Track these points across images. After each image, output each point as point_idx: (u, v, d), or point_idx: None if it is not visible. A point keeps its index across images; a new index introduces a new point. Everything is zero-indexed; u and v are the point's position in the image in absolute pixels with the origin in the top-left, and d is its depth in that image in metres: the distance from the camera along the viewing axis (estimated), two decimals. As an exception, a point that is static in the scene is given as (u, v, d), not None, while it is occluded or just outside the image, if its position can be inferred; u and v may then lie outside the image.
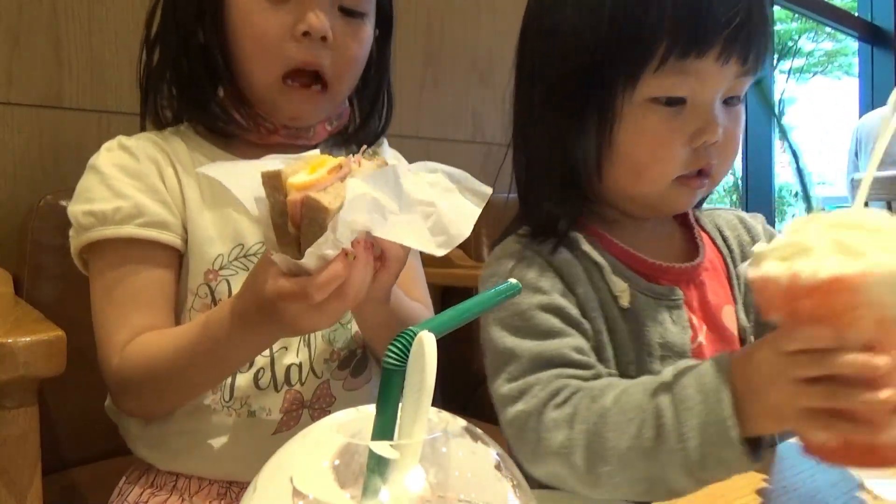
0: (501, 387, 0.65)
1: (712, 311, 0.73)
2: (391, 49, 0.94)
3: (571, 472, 0.59)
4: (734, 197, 7.25)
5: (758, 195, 4.33)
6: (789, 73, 10.29)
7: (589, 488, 0.59)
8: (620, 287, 0.69)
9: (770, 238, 0.79)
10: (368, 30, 0.85)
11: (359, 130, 0.92)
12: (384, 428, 0.30)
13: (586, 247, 0.70)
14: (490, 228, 1.67)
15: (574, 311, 0.67)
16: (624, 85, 0.65)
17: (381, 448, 0.29)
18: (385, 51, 0.93)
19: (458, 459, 0.33)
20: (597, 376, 0.63)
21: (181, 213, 0.80)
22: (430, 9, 1.80)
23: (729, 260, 0.77)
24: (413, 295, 0.88)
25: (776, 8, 4.30)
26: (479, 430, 0.34)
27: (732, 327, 0.74)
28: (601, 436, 0.57)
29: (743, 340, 0.74)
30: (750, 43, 0.66)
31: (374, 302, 0.71)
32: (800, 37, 10.14)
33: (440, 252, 0.61)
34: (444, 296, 1.53)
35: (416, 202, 0.60)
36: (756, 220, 0.83)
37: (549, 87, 0.70)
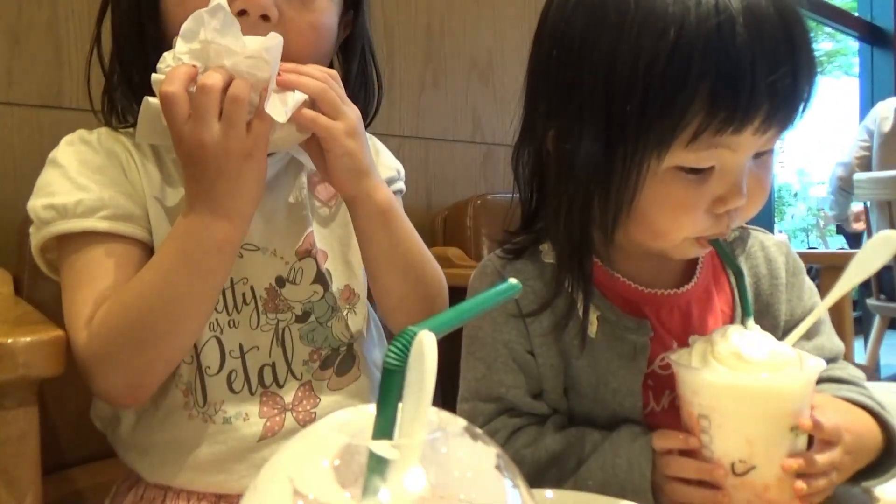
0: (460, 397, 0.73)
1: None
2: (366, 22, 0.88)
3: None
4: (734, 197, 7.23)
5: (758, 195, 4.32)
6: (789, 73, 10.30)
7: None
8: (590, 317, 0.70)
9: (793, 270, 0.78)
10: (326, 5, 0.78)
11: None
12: (384, 428, 0.30)
13: (580, 296, 0.69)
14: (489, 228, 1.68)
15: (528, 347, 0.71)
16: (651, 154, 0.60)
17: (381, 448, 0.29)
18: (359, 23, 0.87)
19: (458, 459, 0.33)
20: (533, 422, 0.71)
21: (144, 206, 0.78)
22: (430, 9, 1.80)
23: (736, 292, 0.73)
24: None
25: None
26: (479, 430, 0.34)
27: None
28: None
29: None
30: (797, 102, 0.60)
31: (346, 180, 0.74)
32: (800, 37, 10.16)
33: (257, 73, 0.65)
34: (444, 296, 1.53)
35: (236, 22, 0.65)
36: (780, 251, 0.78)
37: (570, 130, 0.65)
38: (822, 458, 0.60)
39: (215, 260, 0.70)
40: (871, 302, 3.00)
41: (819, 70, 0.62)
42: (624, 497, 0.56)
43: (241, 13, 0.71)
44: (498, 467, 0.33)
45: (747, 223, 0.71)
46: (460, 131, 1.87)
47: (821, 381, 0.69)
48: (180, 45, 0.65)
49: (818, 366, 0.61)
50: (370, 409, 0.32)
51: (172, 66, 0.65)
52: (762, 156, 0.64)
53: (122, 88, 0.81)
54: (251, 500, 0.31)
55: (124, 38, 0.79)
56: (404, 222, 0.80)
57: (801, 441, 0.60)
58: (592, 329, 0.69)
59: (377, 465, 0.29)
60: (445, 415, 0.34)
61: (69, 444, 1.05)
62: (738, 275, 0.68)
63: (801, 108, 0.61)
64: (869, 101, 4.42)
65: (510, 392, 0.71)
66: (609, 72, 0.60)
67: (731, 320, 0.74)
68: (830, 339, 0.76)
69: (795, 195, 8.60)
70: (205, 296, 0.72)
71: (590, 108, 0.62)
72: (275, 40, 0.66)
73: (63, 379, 0.70)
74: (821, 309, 0.66)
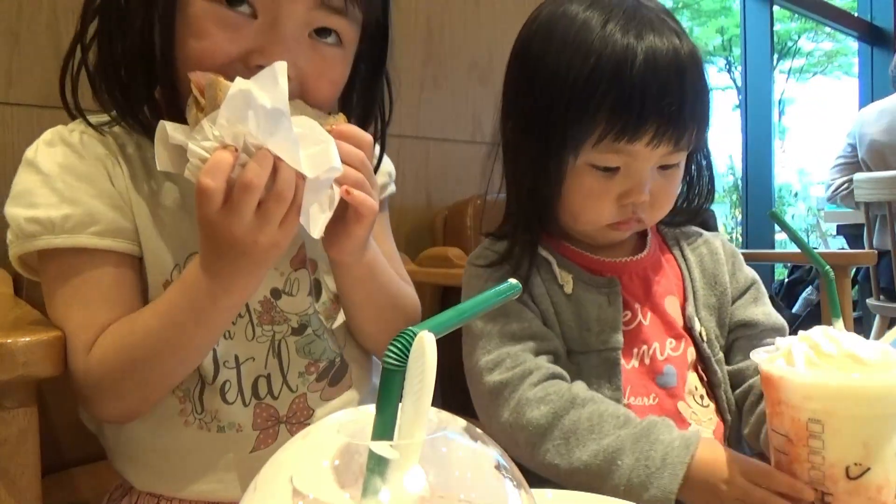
0: (479, 360, 0.80)
1: (655, 299, 0.87)
2: (386, 69, 0.84)
3: (527, 443, 0.75)
4: (734, 197, 7.24)
5: (758, 195, 4.32)
6: (789, 73, 10.29)
7: (527, 461, 0.76)
8: (565, 278, 0.85)
9: (731, 252, 0.95)
10: (344, 58, 0.76)
11: None
12: (384, 428, 0.30)
13: (540, 249, 0.86)
14: (490, 228, 1.68)
15: (527, 299, 0.83)
16: (569, 151, 0.78)
17: (381, 448, 0.29)
18: (378, 69, 0.83)
19: (458, 459, 0.33)
20: (553, 349, 0.81)
21: (133, 218, 0.74)
22: (430, 9, 1.80)
23: (683, 266, 0.91)
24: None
25: (776, 8, 4.29)
26: (479, 430, 0.34)
27: (674, 314, 0.87)
28: (567, 441, 0.73)
29: (689, 329, 0.87)
30: (682, 130, 0.78)
31: (350, 253, 0.74)
32: (799, 37, 10.14)
33: (309, 172, 0.63)
34: (444, 296, 1.53)
35: (288, 110, 0.62)
36: (718, 241, 0.96)
37: (522, 127, 0.83)
38: None
39: (226, 317, 0.72)
40: (871, 302, 3.00)
41: (708, 105, 0.81)
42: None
43: (258, 67, 0.67)
44: (498, 467, 0.33)
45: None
46: (460, 131, 1.87)
47: None
48: (223, 120, 0.60)
49: None
50: (370, 409, 0.32)
51: (212, 147, 0.61)
52: (669, 168, 0.82)
53: (105, 79, 0.74)
54: (251, 500, 0.31)
55: (123, 43, 0.73)
56: (384, 266, 0.83)
57: None
58: (568, 286, 0.84)
59: (377, 465, 0.29)
60: (445, 415, 0.34)
61: (69, 444, 1.05)
62: (828, 277, 0.70)
63: (688, 132, 0.78)
64: (869, 101, 4.41)
65: (532, 325, 0.81)
66: (548, 83, 0.79)
67: (683, 290, 0.89)
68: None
69: (795, 195, 8.61)
70: (211, 341, 0.73)
71: (533, 110, 0.81)
72: (335, 160, 0.63)
73: (63, 379, 0.70)
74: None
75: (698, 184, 0.91)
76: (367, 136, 0.71)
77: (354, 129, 0.70)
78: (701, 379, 0.86)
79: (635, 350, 0.83)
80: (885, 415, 0.59)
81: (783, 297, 3.56)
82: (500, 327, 0.81)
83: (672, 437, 0.70)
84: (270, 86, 0.60)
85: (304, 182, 0.63)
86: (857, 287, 3.45)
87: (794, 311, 3.43)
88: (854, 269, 3.20)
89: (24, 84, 1.16)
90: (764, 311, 0.90)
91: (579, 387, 0.77)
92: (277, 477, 0.32)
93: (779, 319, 0.90)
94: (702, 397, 0.85)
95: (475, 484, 0.33)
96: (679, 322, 0.87)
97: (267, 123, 0.60)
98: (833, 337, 0.62)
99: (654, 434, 0.70)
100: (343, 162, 0.65)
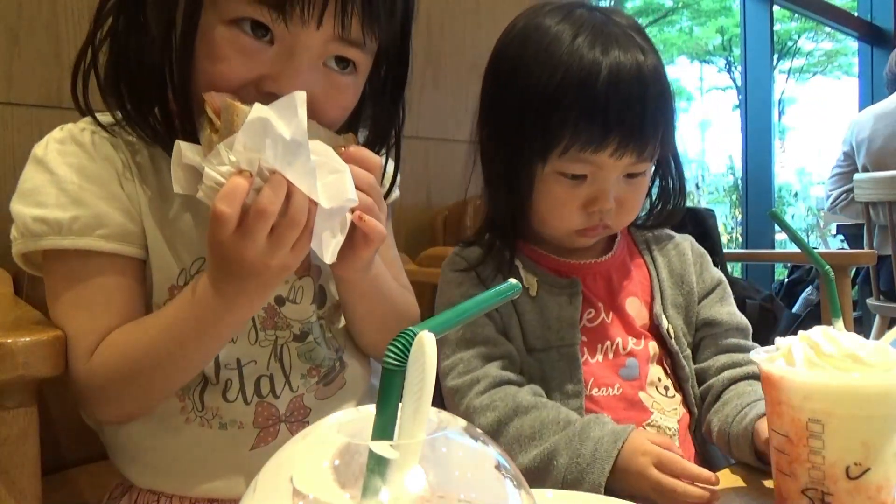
0: (439, 364, 0.82)
1: (617, 300, 0.91)
2: (403, 96, 0.83)
3: None
4: (734, 197, 7.24)
5: (758, 195, 4.33)
6: (789, 73, 10.28)
7: None
8: (530, 281, 0.89)
9: (699, 252, 0.99)
10: (355, 86, 0.76)
11: None
12: (384, 428, 0.30)
13: (506, 254, 0.90)
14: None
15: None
16: (538, 160, 0.82)
17: (381, 448, 0.29)
18: (395, 95, 0.81)
19: (458, 459, 0.33)
20: (506, 354, 0.85)
21: (140, 222, 0.74)
22: (430, 9, 1.80)
23: (652, 268, 0.95)
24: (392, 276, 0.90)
25: (776, 8, 4.29)
26: (479, 430, 0.34)
27: (634, 314, 0.91)
28: (511, 447, 0.77)
29: (656, 327, 0.91)
30: (645, 142, 0.82)
31: (355, 271, 0.74)
32: (799, 37, 10.12)
33: (325, 203, 0.63)
34: (444, 296, 1.53)
35: (307, 141, 0.62)
36: (686, 243, 1.00)
37: (495, 135, 0.89)
38: None
39: (230, 333, 0.73)
40: (871, 302, 3.00)
41: (671, 118, 0.85)
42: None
43: (269, 94, 0.68)
44: (498, 467, 0.33)
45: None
46: (460, 131, 1.87)
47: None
48: (239, 146, 0.60)
49: None
50: (370, 409, 0.32)
51: (228, 172, 0.61)
52: (635, 177, 0.86)
53: (112, 80, 0.74)
54: (251, 500, 0.31)
55: (137, 55, 0.72)
56: (386, 278, 0.84)
57: None
58: (533, 289, 0.88)
59: (377, 465, 0.29)
60: (445, 415, 0.34)
61: (69, 444, 1.05)
62: (828, 277, 0.71)
63: (651, 144, 0.82)
64: (869, 101, 4.42)
65: (485, 331, 0.85)
66: (519, 94, 0.83)
67: (650, 290, 0.93)
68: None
69: (795, 195, 8.60)
70: (214, 353, 0.74)
71: (505, 119, 0.86)
72: (351, 191, 0.64)
73: (63, 379, 0.70)
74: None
75: (669, 189, 0.95)
76: (377, 159, 0.71)
77: (364, 153, 0.70)
78: (666, 372, 0.91)
79: (599, 346, 0.88)
80: (885, 415, 0.59)
81: (783, 297, 3.55)
82: (454, 332, 0.83)
83: (603, 433, 0.74)
84: (289, 115, 0.60)
85: (316, 207, 0.63)
86: (857, 287, 3.45)
87: (794, 311, 3.42)
88: (854, 270, 3.19)
89: (24, 84, 1.16)
90: (728, 310, 0.94)
91: (524, 394, 0.81)
92: (277, 477, 0.32)
93: (742, 320, 0.94)
94: (667, 388, 0.89)
95: (475, 484, 0.33)
96: (640, 321, 0.91)
97: (285, 154, 0.60)
98: (833, 337, 0.62)
99: (586, 432, 0.75)
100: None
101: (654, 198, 0.96)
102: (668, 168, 0.94)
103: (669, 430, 0.86)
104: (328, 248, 0.65)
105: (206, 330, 0.68)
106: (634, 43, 0.82)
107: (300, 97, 0.61)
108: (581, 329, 0.87)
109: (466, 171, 0.93)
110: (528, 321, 0.87)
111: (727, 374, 0.87)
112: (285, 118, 0.60)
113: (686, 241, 1.00)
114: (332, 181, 0.64)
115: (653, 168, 0.89)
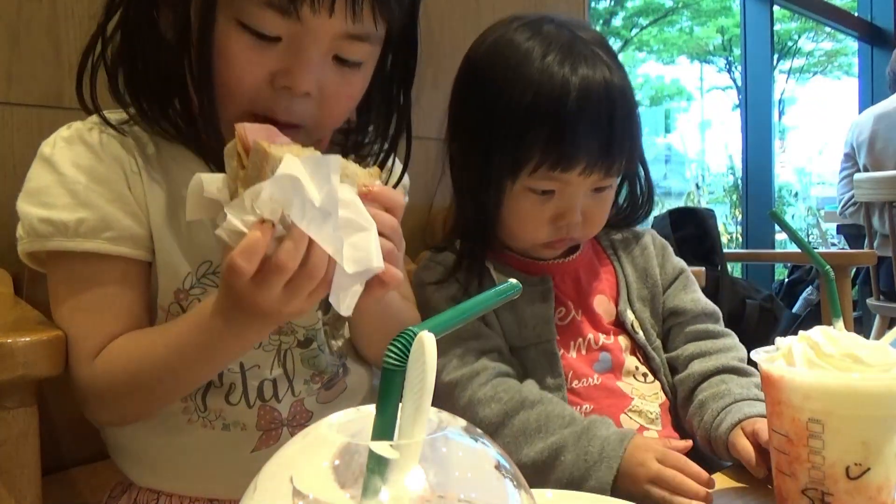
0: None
1: (585, 298, 0.95)
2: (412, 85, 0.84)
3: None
4: (734, 197, 7.23)
5: (758, 195, 4.32)
6: (789, 73, 10.28)
7: None
8: (502, 282, 0.84)
9: (660, 245, 1.03)
10: (364, 76, 0.77)
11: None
12: (384, 428, 0.30)
13: (478, 259, 0.91)
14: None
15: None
16: (507, 177, 0.85)
17: (381, 448, 0.29)
18: (403, 87, 0.83)
19: (458, 459, 0.33)
20: (496, 347, 0.87)
21: (147, 224, 0.74)
22: (429, 8, 1.80)
23: (617, 265, 0.99)
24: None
25: (776, 8, 4.29)
26: (479, 430, 0.34)
27: (601, 311, 0.95)
28: (516, 439, 0.78)
29: (621, 323, 0.94)
30: (612, 161, 0.84)
31: (367, 304, 0.70)
32: (800, 37, 10.13)
33: (349, 268, 0.60)
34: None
35: (338, 204, 0.59)
36: (649, 235, 1.03)
37: (465, 149, 0.91)
38: None
39: (234, 357, 0.73)
40: (871, 302, 3.00)
41: (637, 136, 0.89)
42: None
43: (286, 88, 0.69)
44: (498, 467, 0.33)
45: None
46: (460, 131, 1.87)
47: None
48: (265, 196, 0.57)
49: None
50: (370, 409, 0.32)
51: (250, 222, 0.58)
52: (602, 191, 0.88)
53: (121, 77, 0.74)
54: (251, 499, 0.31)
55: (154, 55, 0.73)
56: (393, 298, 0.81)
57: None
58: None
59: (377, 465, 0.29)
60: (445, 415, 0.34)
61: (69, 444, 1.05)
62: (828, 277, 0.72)
63: (617, 162, 0.85)
64: (869, 101, 4.42)
65: (472, 325, 0.86)
66: (489, 111, 0.86)
67: (616, 287, 0.96)
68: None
69: (795, 195, 8.59)
70: (217, 371, 0.74)
71: (475, 134, 0.88)
72: (377, 259, 0.61)
73: (63, 379, 0.70)
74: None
75: (637, 195, 0.99)
76: (400, 199, 0.67)
77: (388, 193, 0.67)
78: (641, 361, 0.94)
79: (573, 342, 0.92)
80: (884, 415, 0.59)
81: (783, 297, 3.55)
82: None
83: (609, 433, 0.76)
84: (321, 180, 0.58)
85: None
86: (857, 287, 3.45)
87: (794, 311, 3.42)
88: (854, 270, 3.19)
89: (24, 84, 1.16)
90: (692, 297, 0.97)
91: (529, 387, 0.83)
92: (277, 477, 0.32)
93: (708, 305, 0.97)
94: (645, 375, 0.93)
95: (475, 484, 0.33)
96: (607, 318, 0.95)
97: (313, 218, 0.58)
98: (833, 337, 0.62)
99: (592, 431, 0.77)
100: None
101: (621, 203, 0.98)
102: (636, 176, 0.97)
103: (651, 413, 0.89)
104: (345, 300, 0.62)
105: (209, 352, 0.68)
106: (601, 60, 0.84)
107: (335, 162, 0.58)
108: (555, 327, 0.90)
109: (435, 179, 0.96)
110: (504, 321, 0.90)
111: (697, 366, 0.90)
112: (317, 182, 0.58)
113: (648, 235, 1.03)
114: (358, 241, 0.61)
115: (619, 178, 0.92)
